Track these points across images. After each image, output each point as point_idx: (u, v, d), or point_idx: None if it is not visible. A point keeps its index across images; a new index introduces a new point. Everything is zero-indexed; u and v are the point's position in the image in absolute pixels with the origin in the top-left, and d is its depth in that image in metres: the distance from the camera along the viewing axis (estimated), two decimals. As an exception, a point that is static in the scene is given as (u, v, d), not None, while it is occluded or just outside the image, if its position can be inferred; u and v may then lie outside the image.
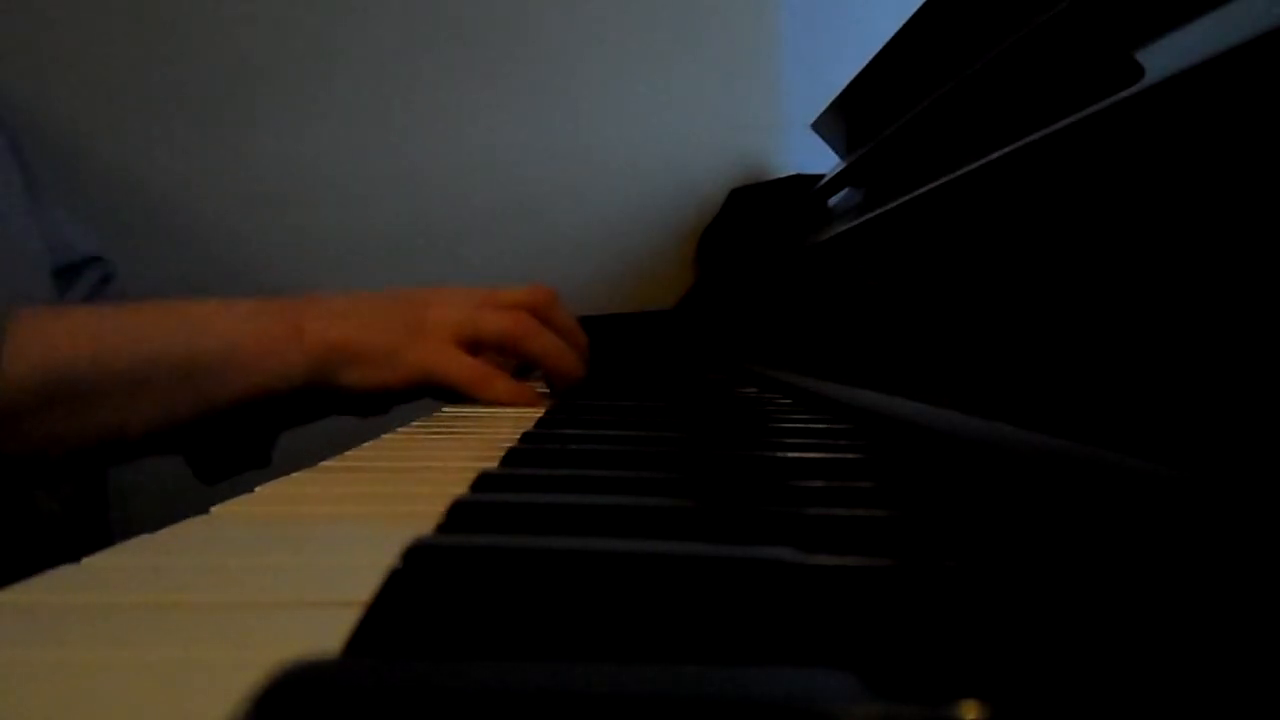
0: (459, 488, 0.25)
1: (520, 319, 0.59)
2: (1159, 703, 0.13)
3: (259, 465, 0.68)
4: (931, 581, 0.17)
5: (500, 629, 0.15)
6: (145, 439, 0.57)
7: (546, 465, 0.32)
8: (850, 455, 0.34)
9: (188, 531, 0.23)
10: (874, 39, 0.55)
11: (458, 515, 0.22)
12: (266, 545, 0.23)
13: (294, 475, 0.32)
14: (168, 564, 0.21)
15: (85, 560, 0.20)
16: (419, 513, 0.23)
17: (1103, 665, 0.14)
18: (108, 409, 0.54)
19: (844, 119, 0.68)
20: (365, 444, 0.40)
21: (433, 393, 0.60)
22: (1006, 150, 0.32)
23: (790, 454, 0.33)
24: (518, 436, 0.38)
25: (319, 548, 0.23)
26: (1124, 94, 0.25)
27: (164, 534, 0.23)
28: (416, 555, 0.17)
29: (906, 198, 0.42)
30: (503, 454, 0.33)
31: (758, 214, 0.88)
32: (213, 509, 0.26)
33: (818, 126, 0.73)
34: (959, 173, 0.36)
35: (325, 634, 0.15)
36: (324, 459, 0.35)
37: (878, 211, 0.47)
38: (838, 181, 0.68)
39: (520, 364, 0.64)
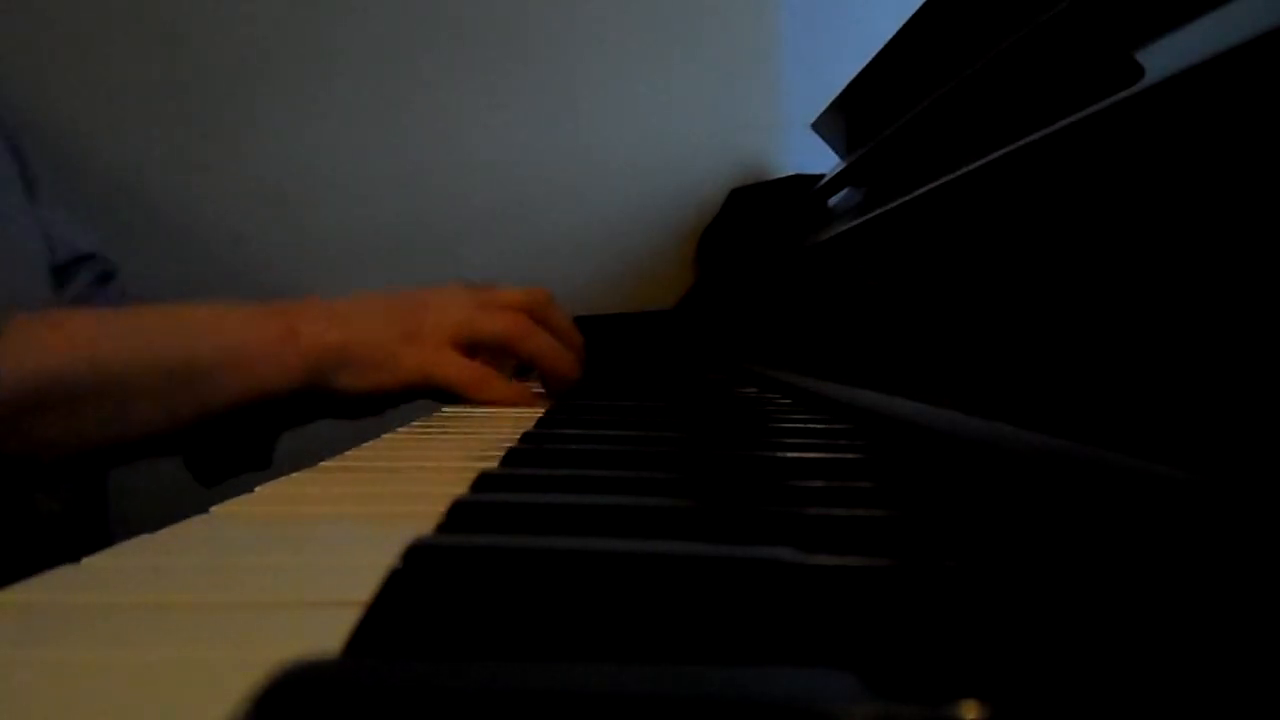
0: (459, 488, 0.25)
1: (516, 320, 0.60)
2: (1158, 703, 0.13)
3: (259, 467, 0.68)
4: (931, 581, 0.17)
5: (500, 629, 0.15)
6: (143, 442, 0.57)
7: (546, 465, 0.32)
8: (850, 455, 0.34)
9: (188, 531, 0.23)
10: (874, 39, 0.55)
11: (458, 515, 0.22)
12: (266, 545, 0.23)
13: (294, 475, 0.32)
14: (168, 564, 0.21)
15: (85, 560, 0.20)
16: (419, 513, 0.23)
17: (1102, 665, 0.14)
18: (104, 413, 0.54)
19: (844, 119, 0.68)
20: (365, 444, 0.40)
21: (429, 394, 0.60)
22: (1006, 150, 0.32)
23: (790, 454, 0.33)
24: (518, 436, 0.38)
25: (319, 548, 0.23)
26: (1124, 94, 0.25)
27: (164, 534, 0.23)
28: (416, 555, 0.17)
29: (906, 198, 0.42)
30: (503, 454, 0.33)
31: (758, 214, 0.88)
32: (213, 509, 0.26)
33: (818, 126, 0.73)
34: (959, 173, 0.36)
35: (325, 634, 0.15)
36: (324, 459, 0.35)
37: (877, 212, 0.47)
38: (838, 181, 0.68)
39: (519, 365, 0.64)
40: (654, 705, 0.11)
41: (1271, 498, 0.18)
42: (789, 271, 0.68)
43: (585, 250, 1.00)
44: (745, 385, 0.68)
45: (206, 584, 0.19)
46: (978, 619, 0.16)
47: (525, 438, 0.38)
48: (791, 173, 0.87)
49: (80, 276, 0.75)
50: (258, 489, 0.29)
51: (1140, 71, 0.25)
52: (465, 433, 0.45)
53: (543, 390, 0.63)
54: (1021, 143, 0.31)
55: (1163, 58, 0.25)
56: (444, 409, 0.57)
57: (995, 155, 0.33)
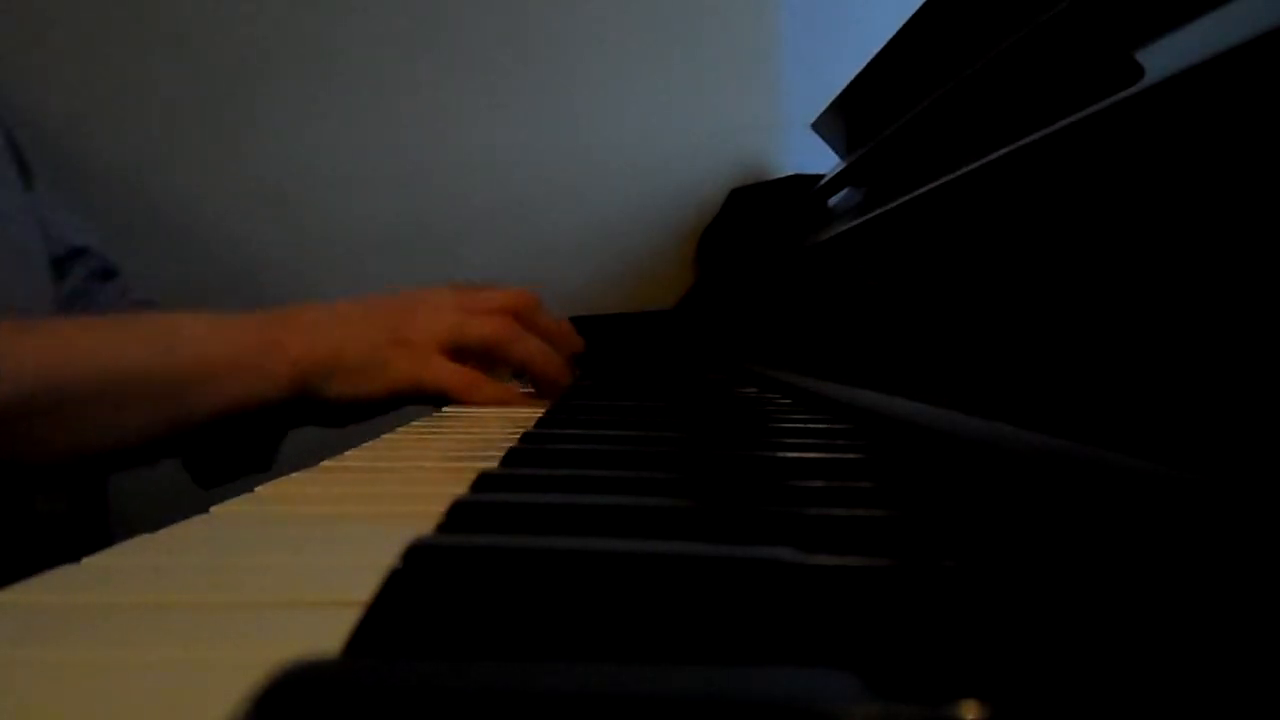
0: (459, 488, 0.25)
1: (504, 325, 0.60)
2: (1158, 703, 0.13)
3: (260, 469, 0.68)
4: (931, 581, 0.17)
5: (500, 629, 0.15)
6: (137, 449, 0.58)
7: (546, 465, 0.32)
8: (850, 455, 0.34)
9: (188, 531, 0.23)
10: (874, 39, 0.55)
11: (458, 515, 0.22)
12: (266, 545, 0.23)
13: (294, 475, 0.32)
14: (168, 564, 0.21)
15: (85, 560, 0.20)
16: (419, 513, 0.23)
17: (1102, 665, 0.14)
18: (86, 420, 0.54)
19: (844, 119, 0.68)
20: (365, 444, 0.40)
21: (417, 400, 0.60)
22: (1006, 150, 0.32)
23: (790, 454, 0.33)
24: (518, 436, 0.38)
25: (319, 548, 0.23)
26: (1124, 94, 0.25)
27: (164, 534, 0.23)
28: (416, 555, 0.17)
29: (906, 198, 0.42)
30: (503, 454, 0.33)
31: (758, 214, 0.88)
32: (213, 509, 0.26)
33: (818, 126, 0.73)
34: (959, 173, 0.36)
35: (325, 634, 0.15)
36: (324, 459, 0.35)
37: (877, 212, 0.47)
38: (838, 181, 0.68)
39: (512, 370, 0.64)
40: (654, 705, 0.11)
41: (1271, 498, 0.18)
42: (789, 271, 0.68)
43: (585, 250, 1.00)
44: (745, 385, 0.68)
45: (206, 584, 0.19)
46: (978, 619, 0.16)
47: (525, 438, 0.38)
48: (791, 173, 0.87)
49: (75, 271, 0.75)
50: (258, 489, 0.29)
51: (1140, 71, 0.25)
52: (465, 433, 0.45)
53: (532, 391, 0.63)
54: (1021, 143, 0.31)
55: (1163, 58, 0.25)
56: (445, 409, 0.57)
57: (995, 155, 0.33)
